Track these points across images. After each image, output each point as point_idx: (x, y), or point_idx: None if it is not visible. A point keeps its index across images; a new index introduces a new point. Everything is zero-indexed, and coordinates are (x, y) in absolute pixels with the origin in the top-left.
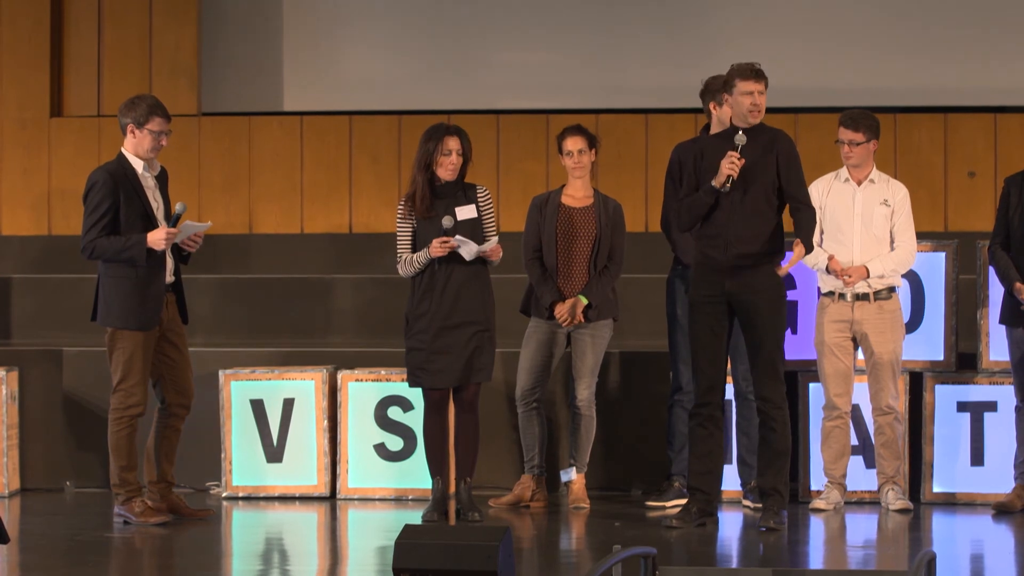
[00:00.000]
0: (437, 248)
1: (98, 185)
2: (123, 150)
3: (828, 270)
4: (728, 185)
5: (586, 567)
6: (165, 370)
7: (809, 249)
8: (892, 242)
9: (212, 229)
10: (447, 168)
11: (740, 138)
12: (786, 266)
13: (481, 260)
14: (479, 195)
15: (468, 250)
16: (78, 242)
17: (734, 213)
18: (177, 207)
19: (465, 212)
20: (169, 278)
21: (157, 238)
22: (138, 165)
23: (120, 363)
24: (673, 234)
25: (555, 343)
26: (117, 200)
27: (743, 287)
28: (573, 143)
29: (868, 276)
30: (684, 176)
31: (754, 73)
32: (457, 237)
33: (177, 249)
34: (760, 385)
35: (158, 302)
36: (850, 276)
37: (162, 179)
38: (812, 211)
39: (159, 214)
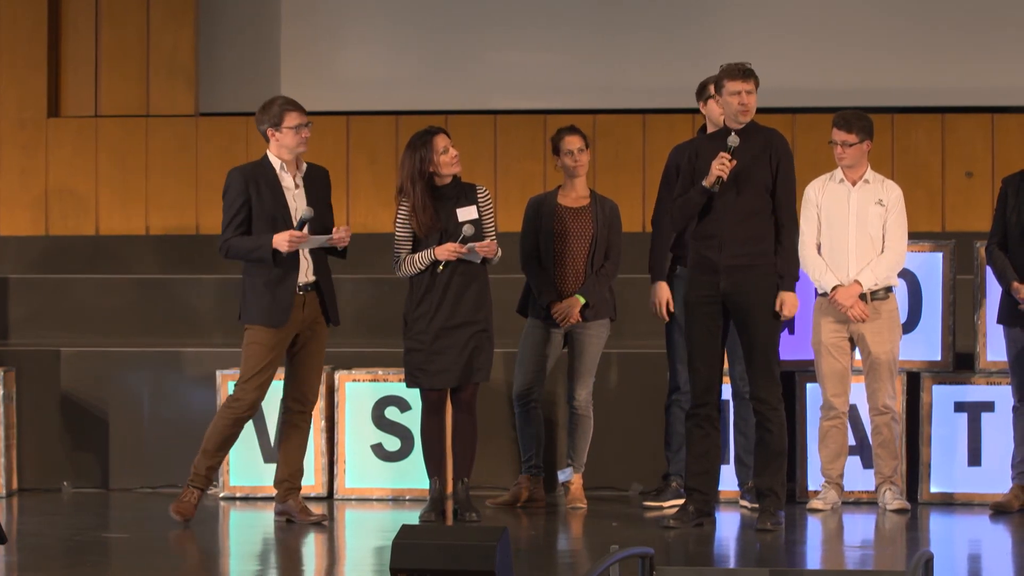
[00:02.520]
0: (450, 253)
1: (231, 186)
2: (267, 151)
3: (827, 296)
4: (717, 186)
5: (584, 567)
6: (291, 366)
7: (791, 288)
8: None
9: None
10: (450, 164)
11: (733, 139)
12: (786, 313)
13: (481, 260)
14: (479, 195)
15: (474, 259)
16: (75, 243)
17: (729, 214)
18: (304, 213)
19: (466, 213)
20: (307, 278)
21: (280, 239)
22: (276, 164)
23: (242, 359)
24: (656, 237)
25: (552, 343)
26: (248, 199)
27: (738, 288)
28: (572, 142)
29: (862, 289)
30: (679, 176)
31: (741, 73)
32: (469, 246)
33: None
34: (755, 386)
35: (287, 302)
36: (850, 306)
37: (313, 178)
38: (795, 232)
39: (297, 215)
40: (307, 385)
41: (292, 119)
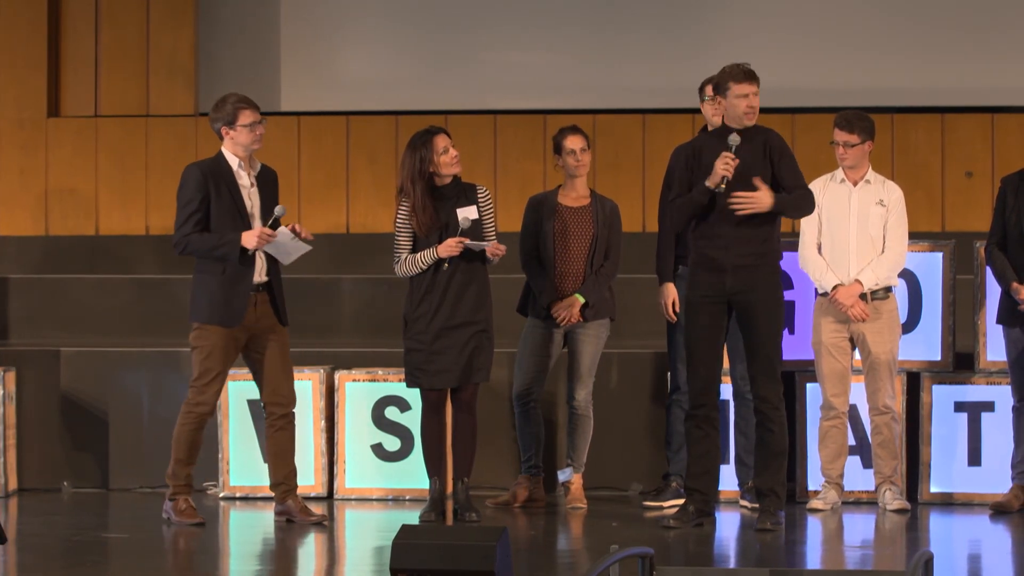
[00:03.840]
0: (452, 247)
1: (189, 181)
2: (222, 149)
3: (828, 295)
4: (723, 186)
5: (583, 567)
6: (258, 369)
7: (776, 205)
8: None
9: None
10: (450, 164)
11: (734, 138)
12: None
13: (481, 259)
14: (479, 195)
15: (477, 247)
16: (74, 242)
17: (734, 214)
18: (276, 210)
19: (466, 213)
20: (260, 277)
21: (251, 236)
22: (233, 162)
23: (198, 360)
24: (661, 238)
25: (552, 343)
26: (207, 195)
27: (744, 287)
28: (575, 141)
29: (863, 289)
30: (677, 176)
31: (746, 75)
32: (472, 243)
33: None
34: (758, 385)
35: (243, 301)
36: (851, 306)
37: (265, 179)
38: (811, 194)
39: (254, 212)
40: (284, 386)
41: (246, 117)
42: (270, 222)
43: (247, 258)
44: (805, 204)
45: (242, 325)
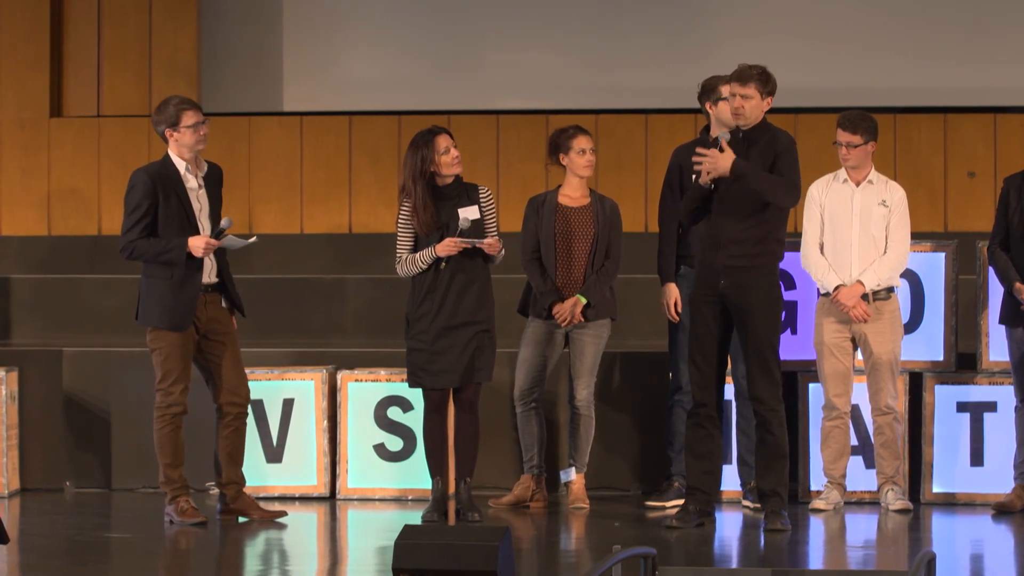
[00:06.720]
0: (450, 248)
1: (137, 186)
2: (168, 151)
3: (830, 296)
4: (710, 182)
5: (586, 567)
6: (213, 370)
7: (736, 170)
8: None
9: None
10: (451, 164)
11: (723, 134)
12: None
13: (483, 258)
14: (481, 195)
15: (472, 244)
16: (76, 242)
17: (728, 215)
18: (223, 222)
19: (468, 213)
20: (210, 279)
21: (197, 245)
22: (180, 166)
23: (158, 363)
24: (662, 238)
25: (553, 343)
26: (155, 201)
27: (736, 287)
28: (586, 141)
29: (865, 289)
30: (682, 177)
31: (736, 75)
32: (470, 241)
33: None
34: (753, 386)
35: (191, 304)
36: (853, 307)
37: (212, 178)
38: (793, 186)
39: (202, 215)
40: (243, 387)
41: (189, 118)
42: (214, 233)
43: (194, 262)
44: (779, 187)
45: (194, 326)
